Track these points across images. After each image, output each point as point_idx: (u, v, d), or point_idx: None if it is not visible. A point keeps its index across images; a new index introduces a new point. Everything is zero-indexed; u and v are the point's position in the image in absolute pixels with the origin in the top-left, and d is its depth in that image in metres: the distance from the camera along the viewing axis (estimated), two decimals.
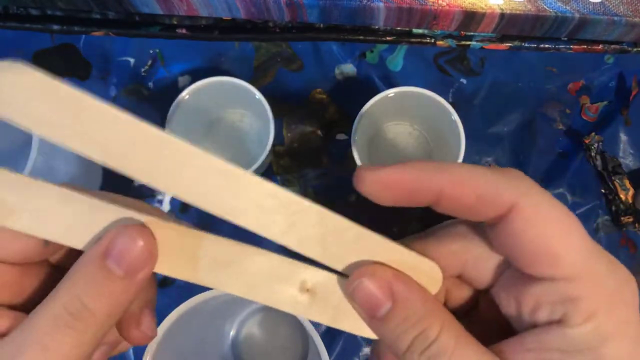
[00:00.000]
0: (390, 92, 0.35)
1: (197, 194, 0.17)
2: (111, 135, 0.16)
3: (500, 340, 0.17)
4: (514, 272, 0.17)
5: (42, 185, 0.17)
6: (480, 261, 0.18)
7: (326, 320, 0.18)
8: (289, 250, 0.18)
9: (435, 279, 0.18)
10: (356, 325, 0.18)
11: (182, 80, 0.42)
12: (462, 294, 0.20)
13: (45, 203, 0.17)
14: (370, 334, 0.18)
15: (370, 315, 0.17)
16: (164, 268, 0.17)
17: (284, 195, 0.17)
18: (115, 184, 0.40)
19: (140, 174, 0.16)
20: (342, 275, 0.18)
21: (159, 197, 0.40)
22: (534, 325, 0.16)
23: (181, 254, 0.17)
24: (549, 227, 0.15)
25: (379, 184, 0.17)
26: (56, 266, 0.19)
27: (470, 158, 0.41)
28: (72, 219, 0.17)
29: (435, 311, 0.17)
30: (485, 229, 0.17)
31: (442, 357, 0.16)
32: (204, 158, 0.16)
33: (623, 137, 0.40)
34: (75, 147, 0.16)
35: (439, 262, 0.18)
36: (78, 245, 0.17)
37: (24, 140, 0.36)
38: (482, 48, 0.42)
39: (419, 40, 0.41)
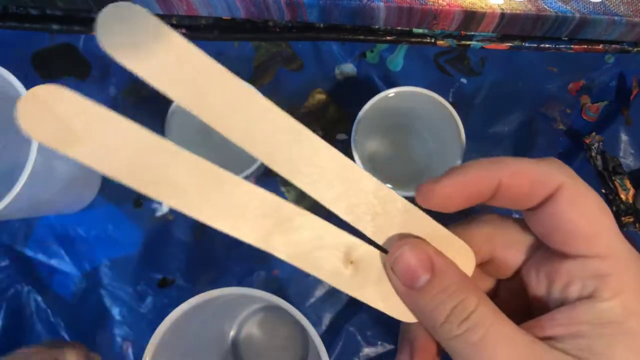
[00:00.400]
0: (391, 91, 0.35)
1: (265, 148, 0.17)
2: (205, 85, 0.16)
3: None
4: (545, 252, 0.18)
5: (111, 116, 0.16)
6: (510, 245, 0.19)
7: (364, 297, 0.18)
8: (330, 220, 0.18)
9: (469, 263, 0.19)
10: (391, 306, 0.18)
11: None
12: (483, 285, 0.21)
13: (115, 136, 0.16)
14: (406, 317, 0.18)
15: (409, 286, 0.18)
16: (218, 221, 0.17)
17: (345, 161, 0.18)
18: (114, 186, 0.40)
19: (219, 124, 0.17)
20: (383, 250, 0.18)
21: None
22: (562, 303, 0.17)
23: (235, 208, 0.17)
24: (589, 208, 0.17)
25: (446, 195, 0.18)
26: None
27: (471, 158, 0.40)
28: (138, 157, 0.16)
29: (471, 285, 0.17)
30: (524, 215, 0.19)
31: (481, 328, 0.16)
32: (278, 113, 0.17)
33: (624, 137, 0.40)
34: (168, 90, 0.16)
35: (471, 245, 0.19)
36: (138, 186, 0.16)
37: (24, 140, 0.36)
38: (482, 48, 0.42)
39: (419, 40, 0.41)
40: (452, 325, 0.17)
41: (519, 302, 0.20)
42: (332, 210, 0.18)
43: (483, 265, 0.20)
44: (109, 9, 0.15)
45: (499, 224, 0.20)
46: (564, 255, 0.17)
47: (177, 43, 0.16)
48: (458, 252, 0.19)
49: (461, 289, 0.17)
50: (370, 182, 0.18)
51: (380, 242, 0.18)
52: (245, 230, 0.17)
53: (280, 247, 0.18)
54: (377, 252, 0.18)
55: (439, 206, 0.18)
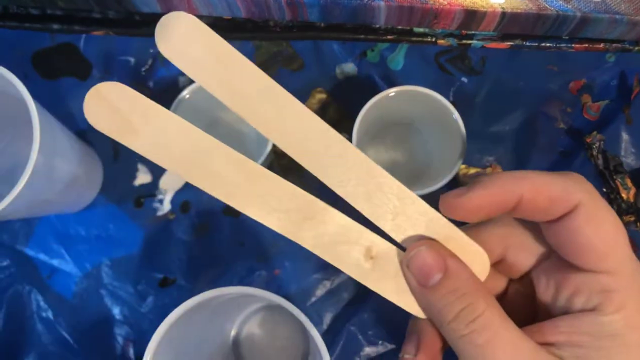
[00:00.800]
0: (391, 91, 0.35)
1: (298, 147, 0.19)
2: (242, 84, 0.18)
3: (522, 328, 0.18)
4: (556, 260, 0.19)
5: (164, 112, 0.18)
6: (522, 248, 0.20)
7: (381, 290, 0.19)
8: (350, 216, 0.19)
9: (483, 267, 0.20)
10: (406, 301, 0.20)
11: (182, 80, 0.42)
12: (493, 283, 0.21)
13: (166, 130, 0.18)
14: (418, 312, 0.20)
15: (422, 284, 0.19)
16: (242, 204, 0.18)
17: (369, 163, 0.19)
18: (115, 185, 0.40)
19: (258, 123, 0.18)
20: (401, 248, 0.19)
21: (160, 197, 0.40)
22: (565, 312, 0.18)
23: (269, 200, 0.19)
24: (605, 227, 0.18)
25: (470, 209, 0.18)
26: None
27: (472, 157, 0.41)
28: (188, 151, 0.18)
29: (481, 290, 0.18)
30: (541, 225, 0.19)
31: (487, 331, 0.17)
32: (310, 116, 0.18)
33: (625, 135, 0.40)
34: (213, 88, 0.18)
35: (485, 244, 0.20)
36: (185, 176, 0.18)
37: (25, 139, 0.36)
38: (483, 47, 0.42)
39: (420, 39, 0.41)
40: (459, 325, 0.18)
41: (526, 302, 0.20)
42: (356, 207, 0.19)
43: (495, 265, 0.21)
44: (165, 17, 0.17)
45: (514, 226, 0.20)
46: (574, 267, 0.18)
47: (223, 47, 0.18)
48: (473, 256, 0.19)
49: (471, 292, 0.18)
50: (393, 184, 0.19)
51: (399, 240, 0.19)
52: (276, 220, 0.19)
53: (307, 239, 0.19)
54: (395, 249, 0.19)
55: (463, 218, 0.19)
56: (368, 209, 0.19)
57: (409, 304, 0.20)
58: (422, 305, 0.19)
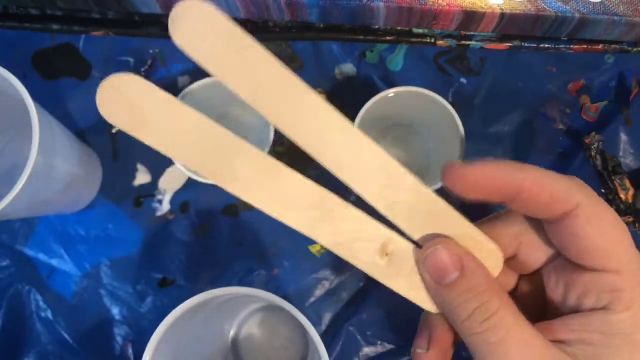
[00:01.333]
0: (390, 92, 0.35)
1: (315, 143, 0.18)
2: (259, 76, 0.17)
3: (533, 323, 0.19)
4: (565, 260, 0.19)
5: (178, 104, 0.17)
6: (535, 245, 0.20)
7: (396, 287, 0.19)
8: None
9: (497, 264, 0.20)
10: (420, 297, 0.20)
11: (182, 80, 0.42)
12: (505, 279, 0.22)
13: (179, 122, 0.17)
14: (432, 308, 0.20)
15: (438, 282, 0.19)
16: (257, 200, 0.18)
17: (387, 159, 0.18)
18: (115, 185, 0.40)
19: (275, 118, 0.18)
20: (417, 245, 0.19)
21: (159, 197, 0.40)
22: (576, 310, 0.19)
23: (286, 197, 0.18)
24: (606, 227, 0.18)
25: (468, 179, 0.18)
26: None
27: (471, 158, 0.41)
28: (202, 144, 0.17)
29: (496, 289, 0.19)
30: (545, 226, 0.20)
31: (502, 330, 0.17)
32: (329, 111, 0.18)
33: (623, 137, 0.40)
34: (227, 80, 0.17)
35: (499, 241, 0.20)
36: (200, 170, 0.17)
37: (24, 139, 0.36)
38: (482, 48, 0.42)
39: (419, 40, 0.41)
40: (473, 323, 0.18)
41: (536, 298, 0.21)
42: (373, 204, 0.19)
43: (506, 261, 0.21)
44: (179, 5, 0.16)
45: (527, 225, 0.20)
46: (581, 267, 0.18)
47: (240, 38, 0.17)
48: (488, 253, 0.19)
49: (486, 291, 0.18)
50: (410, 181, 0.19)
51: (415, 238, 0.19)
52: (293, 217, 0.18)
53: (324, 236, 0.18)
54: (411, 246, 0.19)
55: (463, 189, 0.19)
56: (384, 206, 0.19)
57: (423, 299, 0.20)
58: (436, 302, 0.19)
